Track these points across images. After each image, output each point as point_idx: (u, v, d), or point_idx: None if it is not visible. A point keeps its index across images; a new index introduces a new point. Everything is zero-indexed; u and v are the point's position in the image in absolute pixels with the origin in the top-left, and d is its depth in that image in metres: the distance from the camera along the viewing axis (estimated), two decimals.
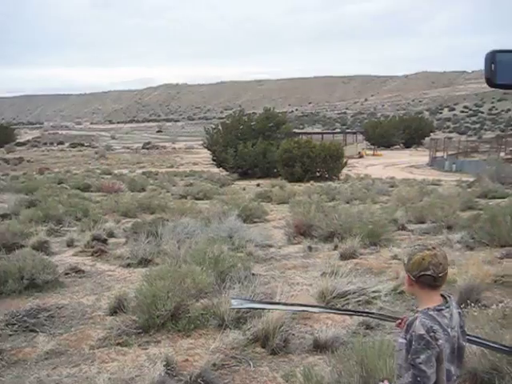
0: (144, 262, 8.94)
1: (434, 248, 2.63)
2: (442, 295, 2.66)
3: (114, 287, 7.68)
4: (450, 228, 11.86)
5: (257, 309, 3.62)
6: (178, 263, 6.93)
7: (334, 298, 6.86)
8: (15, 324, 6.24)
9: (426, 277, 2.60)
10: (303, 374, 3.94)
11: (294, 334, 5.72)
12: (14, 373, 5.03)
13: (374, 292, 7.12)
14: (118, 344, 5.58)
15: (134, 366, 5.06)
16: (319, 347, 5.40)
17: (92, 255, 9.79)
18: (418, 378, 2.51)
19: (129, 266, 8.96)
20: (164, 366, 4.64)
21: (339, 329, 5.71)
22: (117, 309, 6.52)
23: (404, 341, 2.60)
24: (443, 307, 2.59)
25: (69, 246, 10.68)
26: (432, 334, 2.51)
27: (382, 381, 2.82)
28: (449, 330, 2.55)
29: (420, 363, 2.50)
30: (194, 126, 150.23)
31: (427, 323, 2.53)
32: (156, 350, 5.44)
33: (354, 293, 6.99)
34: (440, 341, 2.51)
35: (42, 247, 9.87)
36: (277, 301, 3.57)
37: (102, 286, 7.83)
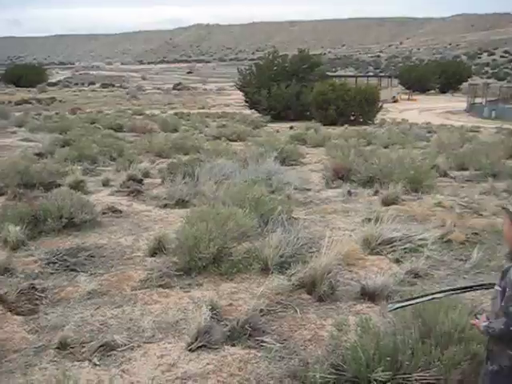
0: (181, 203, 8.80)
1: None
2: None
3: (152, 228, 7.56)
4: (494, 176, 11.43)
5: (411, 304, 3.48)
6: (217, 205, 6.74)
7: (380, 244, 6.64)
8: (56, 263, 6.18)
9: None
10: (360, 325, 3.73)
11: (339, 281, 5.53)
12: (58, 311, 4.97)
13: (420, 240, 6.88)
14: (160, 286, 5.47)
15: (177, 309, 4.95)
16: (367, 295, 5.21)
17: (128, 195, 9.68)
18: (511, 327, 2.29)
19: (165, 206, 8.82)
20: (209, 310, 4.50)
21: (386, 277, 5.49)
22: (156, 250, 6.41)
23: (499, 288, 2.38)
24: None
25: (104, 185, 10.59)
26: None
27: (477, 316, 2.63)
28: None
29: None
30: (225, 68, 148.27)
31: None
32: (199, 293, 5.32)
33: (399, 240, 6.76)
34: None
35: (78, 186, 9.79)
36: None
37: (140, 227, 7.71)
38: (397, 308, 3.43)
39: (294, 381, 3.82)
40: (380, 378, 3.48)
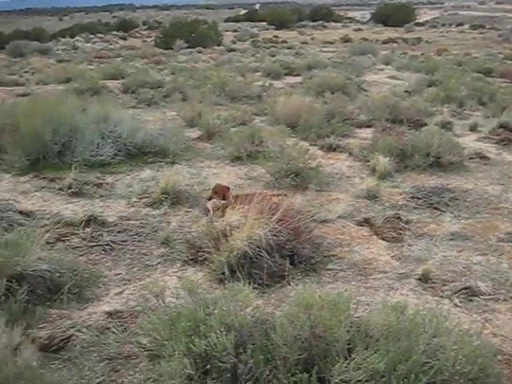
0: None
1: None
2: None
3: None
4: None
5: None
6: None
7: None
8: (420, 198, 6.29)
9: None
10: None
11: None
12: (421, 245, 5.07)
13: None
14: None
15: None
16: None
17: (497, 143, 9.10)
18: None
19: None
20: None
21: None
22: None
23: None
24: None
25: (471, 130, 10.15)
26: None
27: None
28: None
29: None
30: None
31: None
32: None
33: None
34: None
35: (445, 128, 9.65)
36: None
37: (510, 178, 7.22)
38: None
39: None
40: None
